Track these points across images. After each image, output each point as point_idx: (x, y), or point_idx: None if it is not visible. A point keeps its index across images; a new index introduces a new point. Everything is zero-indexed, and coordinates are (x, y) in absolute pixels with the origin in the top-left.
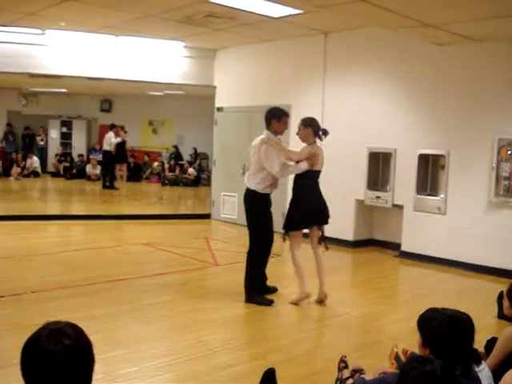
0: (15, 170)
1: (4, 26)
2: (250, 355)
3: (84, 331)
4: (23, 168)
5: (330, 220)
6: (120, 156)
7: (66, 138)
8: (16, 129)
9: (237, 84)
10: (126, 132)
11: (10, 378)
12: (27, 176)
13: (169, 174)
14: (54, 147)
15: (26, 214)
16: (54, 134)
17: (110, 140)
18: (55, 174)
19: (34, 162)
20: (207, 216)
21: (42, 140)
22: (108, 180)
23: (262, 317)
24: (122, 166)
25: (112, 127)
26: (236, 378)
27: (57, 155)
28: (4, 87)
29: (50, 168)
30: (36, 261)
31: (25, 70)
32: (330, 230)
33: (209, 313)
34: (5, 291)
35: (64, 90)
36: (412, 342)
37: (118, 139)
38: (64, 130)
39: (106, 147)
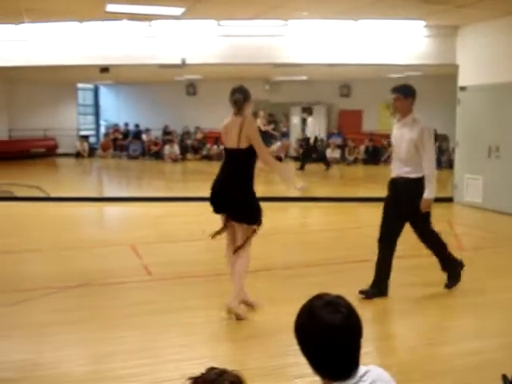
0: None
1: (252, 19)
2: (499, 344)
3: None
4: None
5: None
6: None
7: (306, 123)
8: None
9: (482, 61)
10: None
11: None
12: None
13: None
14: (295, 133)
15: (272, 196)
16: (295, 120)
17: None
18: (296, 158)
19: (278, 147)
20: (449, 199)
21: (284, 126)
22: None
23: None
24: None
25: None
26: (484, 365)
27: (298, 140)
28: (251, 78)
29: (292, 152)
30: (281, 239)
31: (269, 61)
32: None
33: (457, 299)
34: (258, 266)
35: (304, 78)
36: None
37: None
38: (304, 116)
39: None
